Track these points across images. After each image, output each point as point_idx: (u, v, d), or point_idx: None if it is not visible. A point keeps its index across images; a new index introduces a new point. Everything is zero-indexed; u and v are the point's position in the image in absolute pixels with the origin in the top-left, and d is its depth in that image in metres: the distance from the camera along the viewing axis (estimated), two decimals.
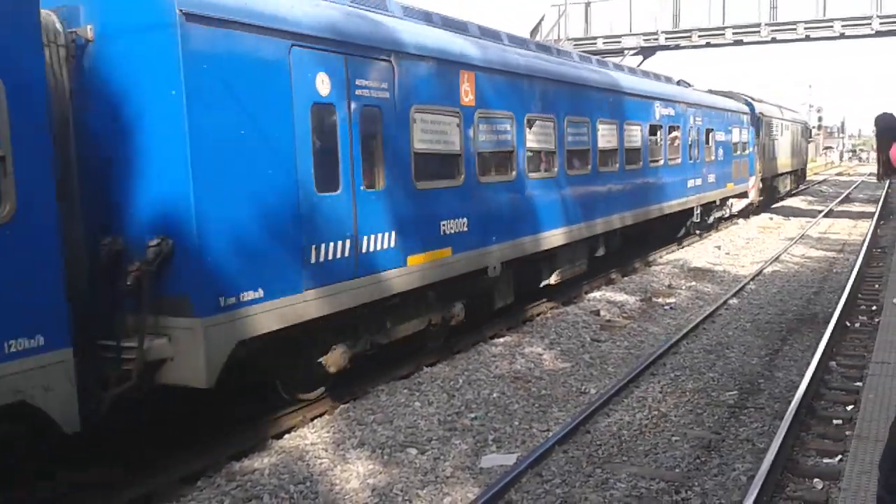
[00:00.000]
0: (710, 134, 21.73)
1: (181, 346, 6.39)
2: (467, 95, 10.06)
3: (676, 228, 21.07)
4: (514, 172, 11.24)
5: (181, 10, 6.18)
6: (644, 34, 31.26)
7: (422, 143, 9.16)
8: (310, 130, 7.46)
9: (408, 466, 7.09)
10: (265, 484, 6.64)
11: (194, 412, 7.87)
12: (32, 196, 5.33)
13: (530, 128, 11.68)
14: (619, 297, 14.45)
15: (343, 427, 7.95)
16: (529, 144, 11.67)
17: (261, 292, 6.89)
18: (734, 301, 14.32)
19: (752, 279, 16.40)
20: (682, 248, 21.25)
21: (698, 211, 21.37)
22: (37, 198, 5.36)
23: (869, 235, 22.27)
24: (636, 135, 16.07)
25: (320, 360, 8.14)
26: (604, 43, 31.63)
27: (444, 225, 9.62)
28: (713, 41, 30.56)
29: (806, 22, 28.78)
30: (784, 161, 35.93)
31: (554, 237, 12.44)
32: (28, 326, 5.29)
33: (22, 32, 5.35)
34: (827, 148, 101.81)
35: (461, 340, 10.98)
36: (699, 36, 30.38)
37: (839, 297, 13.64)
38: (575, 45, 29.77)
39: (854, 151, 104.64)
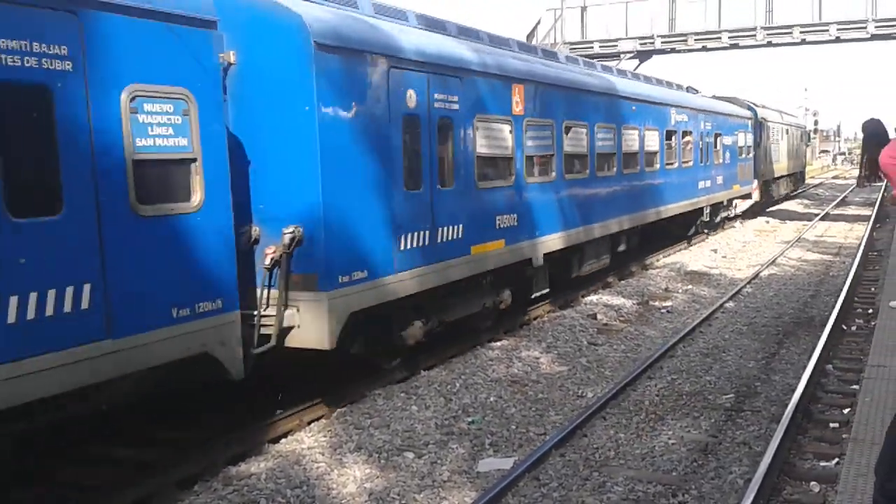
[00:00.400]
0: (718, 138, 22.99)
1: (308, 315, 7.80)
2: (518, 106, 11.47)
3: (687, 227, 22.16)
4: (553, 174, 12.62)
5: (316, 42, 7.59)
6: (640, 38, 31.30)
7: (482, 147, 10.57)
8: (401, 138, 8.87)
9: (405, 470, 7.08)
10: (262, 488, 6.63)
11: (190, 417, 7.87)
12: (215, 189, 6.72)
13: (567, 134, 13.05)
14: (616, 300, 14.46)
15: (340, 431, 7.94)
16: (566, 149, 13.02)
17: (366, 273, 8.33)
18: (731, 304, 14.34)
19: (749, 282, 16.42)
20: (679, 251, 21.29)
21: (707, 210, 22.59)
22: (217, 190, 6.75)
23: (865, 239, 22.31)
24: (654, 139, 17.36)
25: (402, 333, 9.31)
26: (600, 47, 31.67)
27: (498, 219, 10.97)
28: (709, 45, 30.60)
29: (801, 25, 28.84)
30: (785, 164, 37.11)
31: (584, 233, 13.76)
32: (211, 292, 6.69)
33: (207, 59, 6.71)
34: (823, 151, 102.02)
35: (457, 344, 10.98)
36: (695, 40, 30.42)
37: (836, 301, 13.67)
38: (571, 48, 29.81)
39: (844, 153, 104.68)
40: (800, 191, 45.51)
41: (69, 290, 5.52)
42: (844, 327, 12.27)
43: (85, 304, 5.62)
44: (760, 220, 29.68)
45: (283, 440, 7.84)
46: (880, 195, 38.75)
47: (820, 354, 10.12)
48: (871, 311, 13.34)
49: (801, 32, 28.71)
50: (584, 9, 32.05)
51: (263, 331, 7.62)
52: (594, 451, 7.53)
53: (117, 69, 5.95)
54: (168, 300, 6.34)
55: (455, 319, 10.42)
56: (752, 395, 9.20)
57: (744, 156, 26.63)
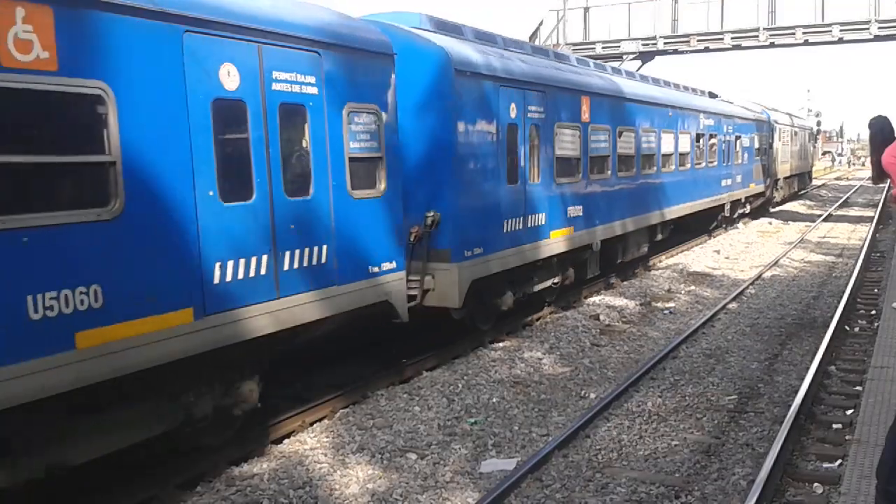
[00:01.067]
0: (738, 140, 25.30)
1: (442, 281, 10.04)
2: (585, 114, 13.69)
3: (711, 221, 24.20)
4: (608, 172, 14.83)
5: (456, 68, 10.02)
6: (643, 39, 31.30)
7: (560, 150, 12.75)
8: (505, 142, 11.16)
9: (407, 471, 7.08)
10: (265, 489, 6.64)
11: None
12: (392, 180, 8.85)
13: (619, 137, 15.23)
14: (619, 301, 14.45)
15: (342, 432, 7.95)
16: (619, 151, 15.25)
17: (481, 249, 10.61)
18: (733, 305, 14.33)
19: (752, 283, 16.41)
20: (682, 252, 21.30)
21: (728, 206, 24.86)
22: (394, 181, 8.87)
23: (868, 240, 22.28)
24: (687, 142, 19.67)
25: (496, 300, 11.40)
26: (602, 48, 31.67)
27: (569, 210, 13.12)
28: (712, 46, 30.58)
29: (804, 26, 28.82)
30: (795, 163, 39.20)
31: (630, 223, 15.98)
32: (389, 256, 8.85)
33: (389, 82, 8.86)
34: (826, 152, 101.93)
35: (460, 345, 10.99)
36: (698, 41, 30.41)
37: (839, 302, 13.65)
38: (574, 49, 29.81)
39: (842, 154, 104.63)
40: (803, 191, 45.91)
41: (317, 249, 7.76)
42: (847, 328, 12.25)
43: (324, 259, 7.83)
44: (763, 220, 29.65)
45: (285, 441, 7.84)
46: (883, 196, 38.70)
47: (823, 355, 10.11)
48: (874, 312, 13.32)
49: (803, 33, 28.69)
50: (586, 9, 32.05)
51: (413, 292, 9.73)
52: (597, 452, 7.53)
53: (342, 92, 8.08)
54: (367, 260, 8.53)
55: (534, 291, 12.58)
56: (755, 397, 9.19)
57: (759, 156, 28.73)
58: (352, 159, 8.20)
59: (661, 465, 7.24)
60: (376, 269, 8.66)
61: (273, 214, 7.19)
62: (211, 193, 6.53)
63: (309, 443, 7.73)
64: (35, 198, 5.30)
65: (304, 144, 7.65)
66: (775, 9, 28.97)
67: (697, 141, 20.54)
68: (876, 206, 35.01)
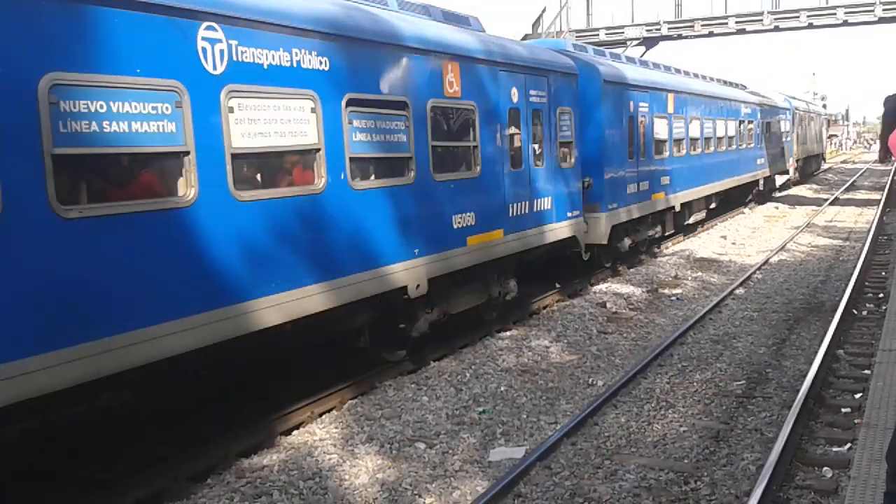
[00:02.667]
0: (768, 125, 29.92)
1: (594, 225, 14.21)
2: (670, 107, 18.40)
3: (747, 195, 28.40)
4: (683, 151, 19.48)
5: (604, 80, 14.50)
6: (646, 24, 31.19)
7: (656, 134, 17.45)
8: (628, 128, 15.87)
9: (416, 461, 7.10)
10: (275, 480, 6.66)
11: (201, 410, 7.89)
12: (578, 156, 13.32)
13: (690, 124, 19.89)
14: (626, 288, 14.44)
15: (351, 422, 7.96)
16: (690, 135, 19.92)
17: (616, 204, 15.05)
18: (741, 291, 14.30)
19: (759, 269, 16.37)
20: (688, 238, 21.28)
21: (761, 182, 29.34)
22: (578, 157, 13.31)
23: (875, 223, 22.20)
24: (732, 127, 24.58)
25: (618, 244, 15.70)
26: (606, 34, 31.57)
27: (662, 179, 17.85)
28: (716, 30, 30.47)
29: (809, 9, 28.68)
30: (811, 146, 44.32)
31: (694, 193, 20.45)
32: (575, 206, 13.14)
33: (574, 91, 13.22)
34: (832, 136, 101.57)
35: (466, 334, 10.99)
36: (702, 25, 30.29)
37: (846, 286, 13.62)
38: (577, 36, 29.71)
39: (848, 137, 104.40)
40: (818, 171, 49.27)
41: (548, 199, 12.20)
42: (855, 312, 12.23)
43: (550, 206, 12.27)
44: (770, 205, 29.58)
45: (294, 432, 7.86)
46: (889, 179, 38.54)
47: (831, 339, 10.09)
48: (881, 295, 13.29)
49: (808, 16, 28.56)
50: None
51: (575, 234, 13.36)
52: (605, 439, 7.53)
53: (557, 100, 12.48)
54: (568, 208, 12.90)
55: (640, 240, 17.00)
56: (764, 382, 9.18)
57: (784, 139, 33.68)
58: (560, 143, 12.69)
59: (669, 451, 7.24)
60: (570, 215, 13.00)
61: (530, 177, 11.73)
62: (505, 166, 11.00)
63: (318, 434, 7.75)
64: (453, 165, 10.04)
65: (540, 134, 12.08)
66: None
67: (740, 126, 25.33)
68: (883, 189, 34.87)
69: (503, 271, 11.30)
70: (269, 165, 7.34)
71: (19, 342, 5.05)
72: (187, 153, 6.23)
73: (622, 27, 31.75)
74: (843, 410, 8.12)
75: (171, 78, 6.15)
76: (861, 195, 34.64)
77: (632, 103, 15.89)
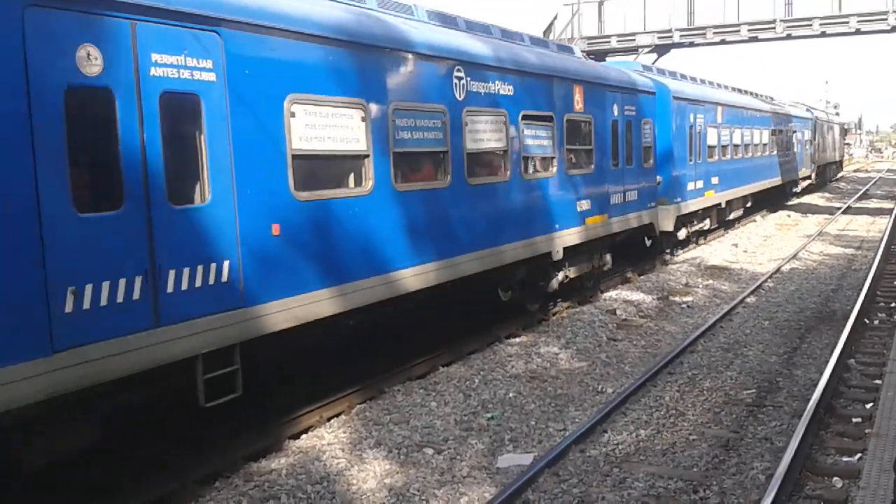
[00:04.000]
0: (794, 134, 33.84)
1: (663, 215, 17.11)
2: (719, 118, 22.10)
3: (780, 196, 31.91)
4: (729, 156, 23.00)
5: (674, 97, 18.10)
6: (658, 32, 31.10)
7: (709, 141, 20.98)
8: (689, 134, 19.16)
9: (424, 466, 7.09)
10: (283, 484, 6.66)
11: (209, 414, 7.89)
12: (656, 158, 16.61)
13: (733, 132, 23.53)
14: (636, 296, 14.40)
15: (359, 427, 7.97)
16: (733, 141, 23.65)
17: (679, 199, 18.27)
18: (752, 299, 14.24)
19: (770, 277, 16.31)
20: (700, 246, 21.24)
21: (789, 184, 32.94)
22: (656, 159, 16.56)
23: (887, 232, 22.07)
24: (766, 135, 28.07)
25: (676, 233, 18.74)
26: (618, 41, 31.51)
27: (713, 179, 21.03)
28: (728, 38, 30.34)
29: (821, 18, 28.54)
30: (830, 153, 48.38)
31: (738, 192, 24.18)
32: (652, 199, 16.16)
33: (653, 104, 16.46)
34: (845, 144, 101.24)
35: (475, 340, 10.98)
36: (714, 33, 30.18)
37: (858, 295, 13.55)
38: (588, 43, 29.69)
39: (860, 146, 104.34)
40: (837, 177, 52.82)
41: (634, 192, 15.08)
42: (867, 321, 12.16)
43: (636, 197, 15.13)
44: (782, 213, 29.48)
45: (303, 436, 7.87)
46: None
47: (842, 349, 10.03)
48: (893, 304, 13.21)
49: (821, 25, 28.42)
50: (601, 3, 31.86)
51: (650, 221, 16.24)
52: (614, 447, 7.51)
53: (643, 113, 15.65)
54: (647, 200, 15.80)
55: (693, 231, 20.17)
56: (774, 391, 9.13)
57: (807, 147, 37.35)
58: (644, 147, 15.68)
59: (679, 459, 7.21)
60: (649, 205, 16.02)
61: (624, 174, 14.72)
62: (608, 165, 14.14)
63: (326, 438, 7.76)
64: (577, 164, 12.97)
65: (630, 140, 14.96)
66: (792, 0, 28.70)
67: (771, 135, 28.84)
68: (895, 198, 34.66)
69: (602, 247, 14.21)
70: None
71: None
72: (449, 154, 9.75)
73: (634, 34, 31.69)
74: (854, 420, 8.07)
75: (440, 103, 9.46)
76: (874, 204, 34.46)
77: (692, 115, 19.37)
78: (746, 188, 24.97)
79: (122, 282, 5.71)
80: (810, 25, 28.54)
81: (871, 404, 8.38)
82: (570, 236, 12.50)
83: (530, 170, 11.48)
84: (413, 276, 8.81)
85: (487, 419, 8.25)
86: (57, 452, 5.88)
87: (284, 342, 7.50)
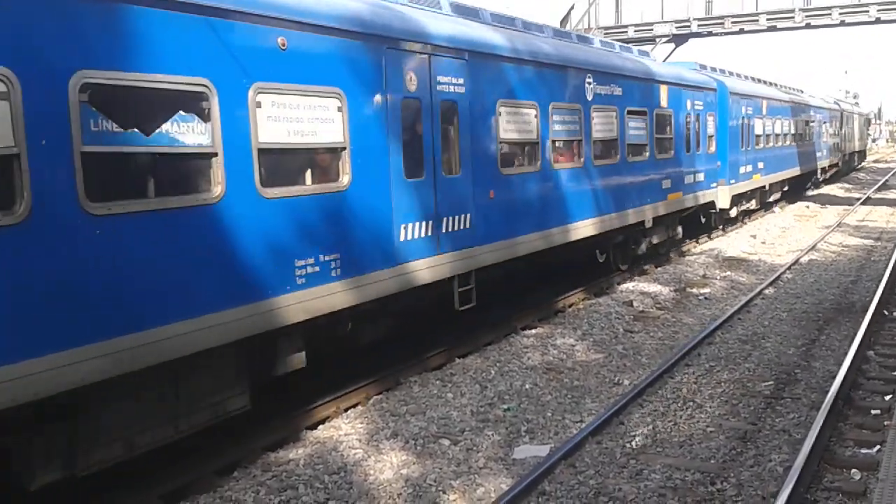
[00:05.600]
0: (824, 125, 36.61)
1: (722, 193, 20.10)
2: (763, 109, 24.60)
3: (808, 181, 33.78)
4: (771, 143, 25.65)
5: (731, 92, 20.89)
6: (676, 21, 30.93)
7: (757, 130, 23.82)
8: (741, 125, 21.98)
9: (441, 457, 7.11)
10: (300, 474, 6.70)
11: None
12: (716, 144, 19.49)
13: (774, 123, 26.15)
14: (653, 287, 14.35)
15: (376, 418, 8.00)
16: (775, 131, 26.23)
17: (734, 181, 21.28)
18: (770, 291, 14.16)
19: (789, 268, 16.20)
20: (717, 237, 21.14)
21: (819, 171, 35.62)
22: (717, 145, 19.45)
23: None
24: (801, 126, 30.67)
25: (729, 210, 21.41)
26: (635, 31, 31.35)
27: (759, 164, 23.78)
28: (747, 27, 30.16)
29: (841, 7, 28.28)
30: (854, 143, 51.52)
31: (777, 176, 26.64)
32: (714, 180, 19.20)
33: (714, 101, 19.23)
34: (868, 134, 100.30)
35: (492, 332, 10.99)
36: (732, 22, 29.99)
37: (877, 286, 13.43)
38: (605, 33, 29.52)
39: (878, 137, 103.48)
40: (862, 165, 55.47)
41: (702, 174, 18.07)
42: (886, 313, 12.06)
43: (702, 178, 18.06)
44: (800, 204, 29.26)
45: (320, 427, 7.91)
46: None
47: (861, 340, 9.96)
48: None
49: (840, 14, 28.17)
50: None
51: (711, 199, 19.07)
52: (631, 438, 7.50)
53: (708, 108, 18.51)
54: (710, 180, 18.63)
55: (742, 209, 23.16)
56: (792, 382, 9.09)
57: (835, 136, 40.27)
58: (709, 136, 18.45)
59: (696, 451, 7.19)
60: (712, 186, 18.84)
61: (694, 158, 17.45)
62: (683, 150, 16.85)
63: (343, 429, 7.79)
64: (662, 150, 15.57)
65: (699, 129, 17.68)
66: None
67: (804, 126, 31.25)
68: None
69: (674, 221, 17.07)
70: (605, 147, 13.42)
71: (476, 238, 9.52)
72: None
73: (651, 24, 31.52)
74: (873, 412, 8.01)
75: (577, 103, 12.18)
76: (893, 194, 34.11)
77: (743, 108, 22.15)
78: (785, 173, 27.73)
79: (423, 223, 8.71)
80: (829, 14, 28.30)
81: (889, 396, 8.33)
82: (657, 208, 15.43)
83: (632, 154, 14.19)
84: (559, 233, 11.73)
85: (504, 410, 8.26)
86: (374, 335, 9.16)
87: (490, 272, 10.18)
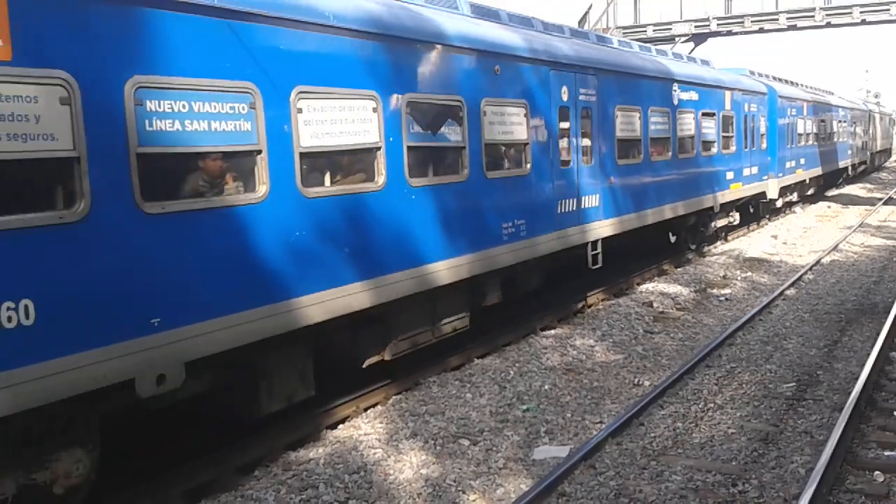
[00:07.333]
0: (854, 125, 39.44)
1: (772, 185, 22.28)
2: (805, 111, 27.37)
3: (839, 176, 36.43)
4: (811, 141, 28.13)
5: (779, 96, 23.52)
6: (695, 20, 30.75)
7: (798, 130, 26.03)
8: (787, 127, 24.36)
9: (461, 457, 7.12)
10: (321, 473, 6.73)
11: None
12: (768, 142, 22.09)
13: (814, 124, 28.56)
14: (673, 288, 14.28)
15: (396, 418, 8.01)
16: (814, 131, 28.61)
17: (781, 175, 23.52)
18: (791, 291, 14.05)
19: (810, 269, 16.07)
20: (738, 238, 21.01)
21: (849, 168, 38.39)
22: (768, 142, 22.08)
23: None
24: (835, 126, 33.09)
25: (774, 201, 23.54)
26: (654, 30, 31.20)
27: (801, 160, 26.28)
28: (766, 27, 29.92)
29: (862, 5, 27.99)
30: (881, 142, 54.75)
31: (813, 171, 28.66)
32: (765, 173, 21.56)
33: (765, 103, 21.84)
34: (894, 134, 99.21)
35: (510, 332, 10.98)
36: (752, 21, 29.77)
37: None
38: (624, 33, 29.41)
39: None
40: (887, 162, 58.35)
41: (756, 168, 20.47)
42: None
43: (756, 171, 20.46)
44: (822, 204, 29.04)
45: (340, 426, 7.94)
46: None
47: (884, 341, 9.88)
48: None
49: (861, 12, 27.89)
50: None
51: (760, 191, 21.34)
52: (651, 439, 7.47)
53: (760, 110, 21.03)
54: (762, 173, 21.17)
55: (786, 201, 25.30)
56: (814, 384, 9.01)
57: (863, 135, 43.05)
58: (761, 134, 20.80)
59: (717, 452, 7.15)
60: (764, 178, 21.06)
61: (751, 153, 19.70)
62: (741, 146, 19.07)
63: (363, 428, 7.81)
64: (726, 146, 18.21)
65: (752, 129, 19.78)
66: None
67: (837, 126, 33.64)
68: None
69: (732, 208, 19.26)
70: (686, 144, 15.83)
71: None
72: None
73: (670, 23, 31.35)
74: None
75: (666, 107, 14.78)
76: None
77: (789, 109, 24.51)
78: (821, 169, 29.99)
79: (571, 200, 11.27)
80: (850, 13, 28.03)
81: None
82: (724, 195, 17.83)
83: (705, 149, 16.57)
84: (653, 214, 14.18)
85: (523, 411, 8.25)
86: (536, 284, 11.36)
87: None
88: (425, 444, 7.37)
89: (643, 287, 14.37)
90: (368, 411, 8.30)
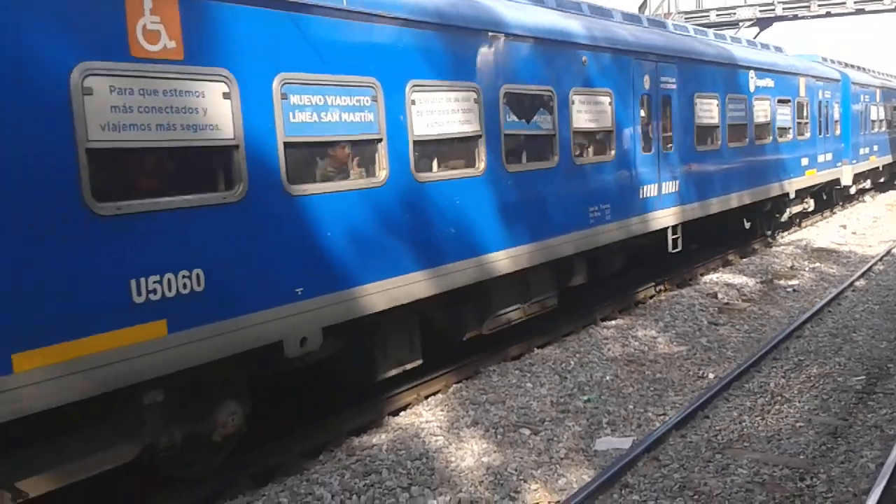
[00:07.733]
0: None
1: (844, 172, 22.11)
2: (878, 98, 26.57)
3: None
4: (883, 128, 27.65)
5: (852, 82, 22.95)
6: (760, 5, 30.04)
7: (871, 117, 25.95)
8: (859, 114, 24.33)
9: (521, 447, 7.12)
10: (384, 459, 6.80)
11: (311, 390, 8.11)
12: (841, 128, 21.95)
13: (887, 110, 28.37)
14: (738, 279, 14.01)
15: (456, 406, 8.05)
16: (887, 117, 28.36)
17: (856, 161, 23.48)
18: (861, 282, 13.68)
19: (880, 259, 15.62)
20: (805, 227, 20.53)
21: None
22: (842, 129, 22.03)
23: None
24: (883, 113, 30.97)
25: (836, 189, 22.95)
26: (717, 15, 30.58)
27: (873, 147, 26.07)
28: (834, 10, 29.10)
29: None
30: None
31: (885, 159, 28.09)
32: (839, 159, 21.62)
33: (839, 90, 21.77)
34: None
35: (570, 322, 10.92)
36: (819, 5, 28.98)
37: None
38: (686, 18, 28.87)
39: None
40: None
41: (831, 155, 20.66)
42: None
43: (822, 160, 19.91)
44: (892, 193, 28.15)
45: (401, 413, 8.01)
46: None
47: None
48: None
49: None
50: None
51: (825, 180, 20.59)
52: (716, 432, 7.36)
53: (834, 96, 21.01)
54: (836, 159, 21.10)
55: (859, 188, 25.26)
56: (885, 377, 8.77)
57: None
58: (835, 121, 20.64)
59: (784, 446, 7.02)
60: (838, 164, 21.07)
61: (824, 140, 19.71)
62: (816, 133, 19.33)
63: (424, 416, 7.87)
64: (806, 132, 18.61)
65: (826, 115, 19.89)
66: None
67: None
68: None
69: (807, 194, 19.27)
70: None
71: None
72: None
73: (734, 7, 30.68)
74: None
75: (743, 94, 15.03)
76: None
77: (862, 96, 24.25)
78: (892, 156, 29.37)
79: (652, 185, 11.73)
80: None
81: None
82: (798, 182, 17.92)
83: (780, 135, 16.78)
84: (733, 199, 14.63)
85: (584, 401, 8.21)
86: (618, 267, 11.88)
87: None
88: (486, 433, 7.39)
89: (707, 278, 14.14)
90: (429, 399, 8.36)
